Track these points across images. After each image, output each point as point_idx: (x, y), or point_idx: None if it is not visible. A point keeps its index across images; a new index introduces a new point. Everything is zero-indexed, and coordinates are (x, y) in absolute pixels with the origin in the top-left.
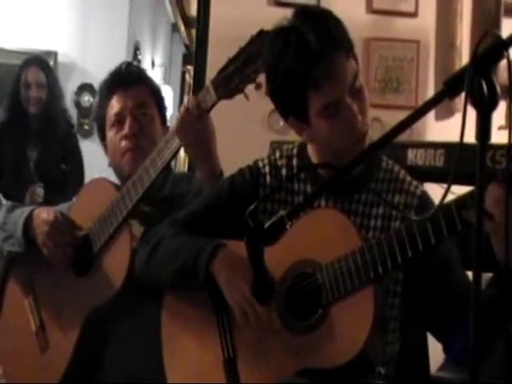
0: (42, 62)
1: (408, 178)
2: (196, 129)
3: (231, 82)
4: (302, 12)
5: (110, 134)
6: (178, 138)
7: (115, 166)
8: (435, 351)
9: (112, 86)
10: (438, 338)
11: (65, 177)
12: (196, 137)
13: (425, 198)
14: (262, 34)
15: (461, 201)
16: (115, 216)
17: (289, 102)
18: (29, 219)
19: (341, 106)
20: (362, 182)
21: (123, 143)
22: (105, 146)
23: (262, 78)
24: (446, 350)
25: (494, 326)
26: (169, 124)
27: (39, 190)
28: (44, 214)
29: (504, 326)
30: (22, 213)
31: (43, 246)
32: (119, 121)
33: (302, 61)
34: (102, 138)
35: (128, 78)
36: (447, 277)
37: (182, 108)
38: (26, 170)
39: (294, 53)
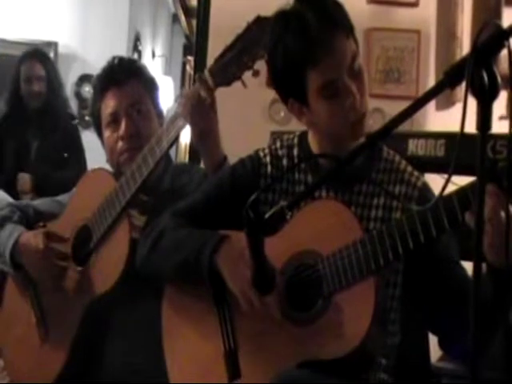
0: (40, 54)
1: (409, 169)
2: (208, 114)
3: (228, 70)
4: None
5: (107, 133)
6: (188, 124)
7: (113, 164)
8: (436, 342)
9: (105, 83)
10: (437, 332)
11: (66, 168)
12: (207, 123)
13: (425, 190)
14: (258, 20)
15: (462, 192)
16: (114, 206)
17: (288, 83)
18: (15, 246)
19: (339, 85)
20: (362, 172)
21: (120, 144)
22: (102, 141)
23: (259, 65)
24: (442, 344)
25: (492, 320)
26: (166, 114)
27: (26, 178)
28: (32, 242)
29: (503, 318)
30: (10, 235)
31: (33, 275)
32: (114, 120)
33: (301, 40)
34: (99, 133)
35: (121, 75)
36: (446, 270)
37: (194, 93)
38: (27, 162)
39: (294, 33)
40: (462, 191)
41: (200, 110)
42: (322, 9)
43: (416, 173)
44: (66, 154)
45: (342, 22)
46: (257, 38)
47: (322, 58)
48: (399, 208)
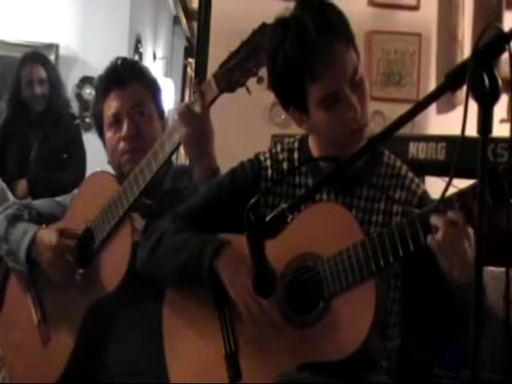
0: (40, 57)
1: (410, 175)
2: (198, 126)
3: (233, 76)
4: (303, 3)
5: (109, 134)
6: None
7: (114, 165)
8: None
9: (108, 84)
10: (434, 334)
11: (66, 168)
12: (197, 134)
13: (425, 199)
14: (263, 27)
15: (462, 194)
16: (117, 209)
17: (288, 92)
18: (32, 243)
19: (339, 97)
20: (363, 176)
21: (122, 145)
22: (104, 142)
23: (263, 72)
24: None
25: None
26: (167, 116)
27: (22, 184)
28: (46, 239)
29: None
30: (24, 233)
31: (48, 271)
32: (116, 121)
33: (301, 50)
34: (100, 134)
35: (123, 76)
36: (438, 278)
37: (183, 105)
38: (28, 165)
39: (293, 41)
40: (462, 193)
41: (190, 121)
42: (323, 17)
43: (417, 180)
44: (66, 155)
45: (342, 32)
46: (261, 44)
47: (323, 71)
48: (399, 213)
